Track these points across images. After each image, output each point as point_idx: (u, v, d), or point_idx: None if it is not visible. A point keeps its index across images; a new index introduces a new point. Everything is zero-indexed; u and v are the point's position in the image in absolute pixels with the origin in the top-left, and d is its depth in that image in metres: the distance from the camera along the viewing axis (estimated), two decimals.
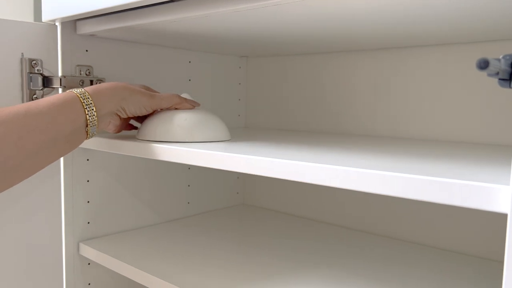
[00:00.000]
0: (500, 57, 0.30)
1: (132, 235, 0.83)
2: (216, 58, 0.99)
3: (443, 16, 0.53)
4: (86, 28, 0.73)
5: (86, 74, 0.76)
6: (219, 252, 0.75)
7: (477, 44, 0.72)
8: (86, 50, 0.77)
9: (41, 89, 0.73)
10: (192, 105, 0.65)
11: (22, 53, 0.71)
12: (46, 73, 0.74)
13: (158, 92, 0.66)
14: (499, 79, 0.31)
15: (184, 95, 0.66)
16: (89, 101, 0.56)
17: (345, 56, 0.88)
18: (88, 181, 0.79)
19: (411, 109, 0.80)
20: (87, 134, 0.57)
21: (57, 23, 0.74)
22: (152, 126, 0.62)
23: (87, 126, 0.56)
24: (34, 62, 0.72)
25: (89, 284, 0.80)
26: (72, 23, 0.74)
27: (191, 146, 0.56)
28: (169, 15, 0.59)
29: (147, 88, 0.69)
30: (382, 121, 0.84)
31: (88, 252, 0.77)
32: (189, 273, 0.66)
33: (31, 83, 0.72)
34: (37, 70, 0.73)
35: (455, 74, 0.75)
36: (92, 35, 0.76)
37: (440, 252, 0.76)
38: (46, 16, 0.72)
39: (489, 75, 0.30)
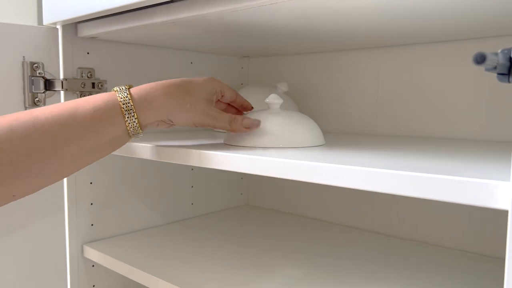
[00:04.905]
0: (498, 51, 0.30)
1: (136, 237, 0.83)
2: (218, 59, 0.99)
3: (446, 12, 0.53)
4: (87, 31, 0.73)
5: (87, 77, 0.76)
6: (224, 253, 0.74)
7: (480, 40, 0.71)
8: (88, 53, 0.77)
9: (43, 92, 0.73)
10: (245, 127, 0.56)
11: (24, 57, 0.72)
12: (47, 76, 0.74)
13: (236, 93, 0.62)
14: (498, 73, 0.31)
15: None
16: (132, 112, 0.51)
17: (348, 55, 0.88)
18: (91, 183, 0.79)
19: (411, 106, 0.79)
20: (130, 138, 0.54)
21: (58, 26, 0.74)
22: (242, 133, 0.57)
23: (129, 134, 0.52)
24: (36, 65, 0.72)
25: (93, 286, 0.80)
26: (73, 26, 0.75)
27: (208, 148, 0.56)
28: (169, 16, 0.59)
29: (222, 88, 0.59)
30: (382, 119, 0.83)
31: (92, 254, 0.77)
32: (194, 274, 0.66)
33: (33, 86, 0.72)
34: (39, 73, 0.73)
35: (455, 71, 0.74)
36: (93, 38, 0.76)
37: (443, 250, 0.75)
38: (47, 19, 0.72)
39: (487, 69, 0.29)
